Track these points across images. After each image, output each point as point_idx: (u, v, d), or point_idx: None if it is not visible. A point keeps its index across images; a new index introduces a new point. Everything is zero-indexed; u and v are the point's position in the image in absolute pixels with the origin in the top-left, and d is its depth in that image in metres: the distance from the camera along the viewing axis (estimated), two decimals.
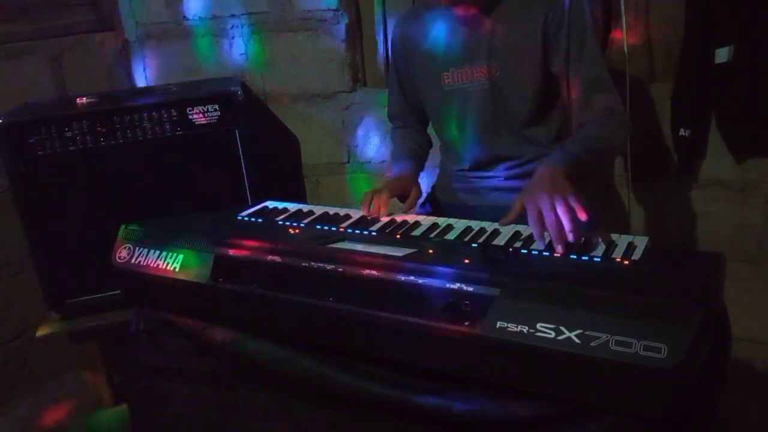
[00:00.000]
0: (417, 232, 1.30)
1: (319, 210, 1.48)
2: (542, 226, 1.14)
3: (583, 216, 1.12)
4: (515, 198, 1.25)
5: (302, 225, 1.39)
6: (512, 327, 0.92)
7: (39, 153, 1.86)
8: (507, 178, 1.60)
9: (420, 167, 1.71)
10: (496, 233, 1.24)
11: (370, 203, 1.42)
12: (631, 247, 1.11)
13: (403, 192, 1.54)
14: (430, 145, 1.81)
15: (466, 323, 0.96)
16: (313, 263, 1.14)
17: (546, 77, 1.50)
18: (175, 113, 1.94)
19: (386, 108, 1.82)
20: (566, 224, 1.11)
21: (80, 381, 2.19)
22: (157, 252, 1.32)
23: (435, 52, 1.56)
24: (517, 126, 1.54)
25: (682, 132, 1.86)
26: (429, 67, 1.58)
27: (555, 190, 1.16)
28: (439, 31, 1.56)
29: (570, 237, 1.11)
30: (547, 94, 1.52)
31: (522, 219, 1.21)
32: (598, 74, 1.46)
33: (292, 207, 1.53)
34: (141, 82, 2.58)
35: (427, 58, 1.58)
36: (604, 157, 1.52)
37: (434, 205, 1.75)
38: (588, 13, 1.47)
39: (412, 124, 1.78)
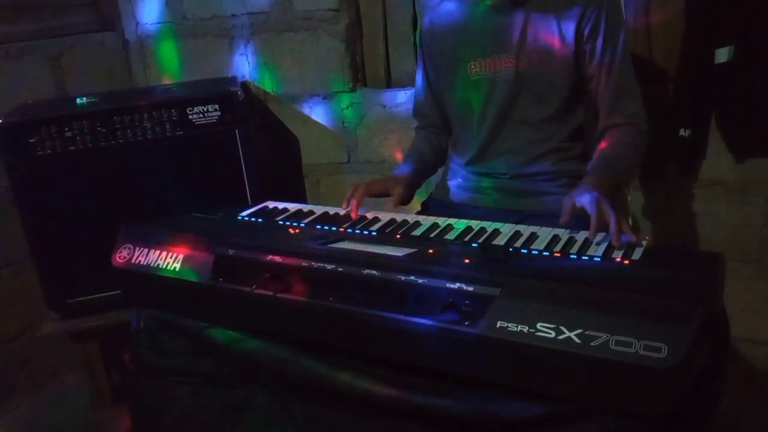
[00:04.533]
0: (417, 232, 1.30)
1: (319, 210, 1.48)
2: (601, 223, 1.15)
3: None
4: (565, 200, 1.25)
5: (302, 225, 1.39)
6: (512, 327, 0.92)
7: (39, 153, 1.86)
8: (512, 178, 1.60)
9: (423, 171, 1.70)
10: (496, 233, 1.24)
11: (349, 198, 1.44)
12: (631, 247, 1.11)
13: (386, 191, 1.53)
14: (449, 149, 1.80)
15: (466, 323, 0.96)
16: (313, 263, 1.14)
17: (574, 75, 1.50)
18: (175, 113, 1.94)
19: (413, 106, 1.81)
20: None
21: (80, 381, 2.19)
22: (157, 252, 1.32)
23: (464, 42, 1.56)
24: (536, 120, 1.54)
25: (682, 132, 1.86)
26: (457, 56, 1.58)
27: (611, 199, 1.20)
28: (469, 21, 1.56)
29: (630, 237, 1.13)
30: (573, 91, 1.52)
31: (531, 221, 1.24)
32: (628, 80, 1.50)
33: (292, 207, 1.53)
34: (141, 82, 2.58)
35: (455, 47, 1.58)
36: (632, 171, 1.55)
37: (430, 211, 1.72)
38: (622, 15, 1.48)
39: (436, 123, 1.76)
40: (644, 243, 1.12)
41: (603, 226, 1.16)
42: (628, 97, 1.50)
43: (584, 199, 1.20)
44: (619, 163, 1.42)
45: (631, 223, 1.19)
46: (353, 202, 1.44)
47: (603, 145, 1.48)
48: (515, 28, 1.49)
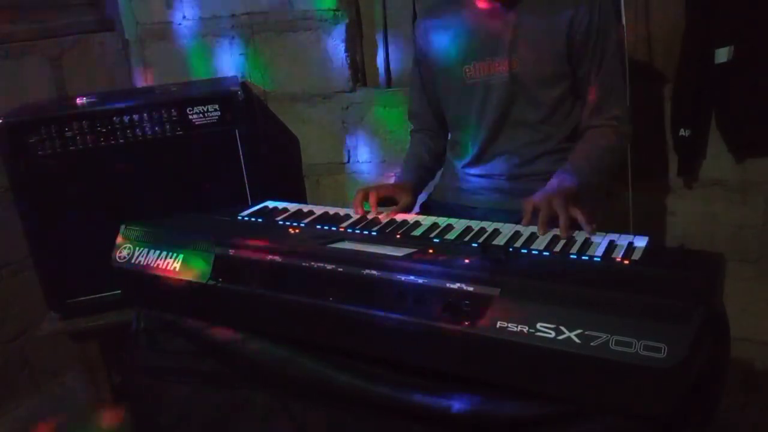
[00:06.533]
0: (417, 232, 1.30)
1: (319, 210, 1.48)
2: (547, 226, 1.22)
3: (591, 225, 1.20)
4: (525, 201, 1.30)
5: (302, 225, 1.39)
6: (512, 327, 0.92)
7: (39, 153, 1.86)
8: (509, 179, 1.60)
9: (425, 177, 1.71)
10: (496, 233, 1.25)
11: (361, 203, 1.45)
12: (631, 247, 1.11)
13: (393, 197, 1.52)
14: (445, 151, 1.80)
15: (466, 323, 0.96)
16: (313, 263, 1.14)
17: (567, 76, 1.51)
18: (175, 113, 1.93)
19: (407, 109, 1.82)
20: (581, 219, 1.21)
21: (80, 381, 2.19)
22: (157, 252, 1.32)
23: (458, 46, 1.56)
24: (534, 121, 1.55)
25: (682, 132, 1.86)
26: (451, 61, 1.58)
27: (567, 200, 1.25)
28: (462, 25, 1.57)
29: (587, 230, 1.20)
30: (568, 92, 1.53)
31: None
32: (615, 81, 1.51)
33: (292, 207, 1.53)
34: (141, 82, 2.58)
35: (449, 51, 1.58)
36: (608, 175, 1.57)
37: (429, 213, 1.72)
38: (614, 17, 1.50)
39: (431, 126, 1.76)
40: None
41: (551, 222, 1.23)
42: (613, 99, 1.51)
43: (537, 199, 1.27)
44: (587, 166, 1.43)
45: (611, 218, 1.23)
46: (372, 202, 1.44)
47: (577, 147, 1.50)
48: (507, 31, 1.50)
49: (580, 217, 1.21)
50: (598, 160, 1.47)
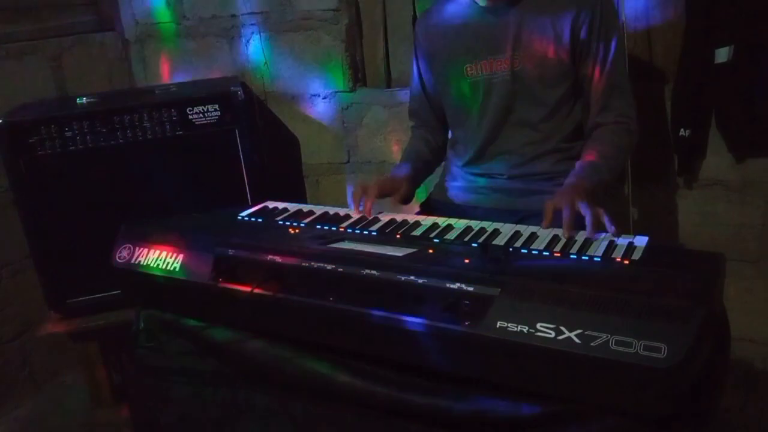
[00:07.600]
0: (417, 232, 1.30)
1: (319, 210, 1.48)
2: (572, 228, 1.20)
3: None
4: (545, 203, 1.28)
5: (302, 225, 1.39)
6: (512, 327, 0.92)
7: (39, 153, 1.86)
8: (510, 178, 1.60)
9: (423, 170, 1.71)
10: (496, 233, 1.24)
11: (360, 200, 1.46)
12: (631, 247, 1.11)
13: (392, 190, 1.53)
14: (445, 146, 1.80)
15: (466, 323, 0.96)
16: (313, 263, 1.14)
17: (569, 75, 1.50)
18: (175, 113, 1.94)
19: (407, 107, 1.82)
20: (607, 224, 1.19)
21: (80, 381, 2.19)
22: (157, 252, 1.32)
23: (459, 44, 1.56)
24: (534, 121, 1.55)
25: (682, 132, 1.86)
26: (452, 59, 1.58)
27: (589, 198, 1.24)
28: (463, 23, 1.57)
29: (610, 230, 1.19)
30: (569, 92, 1.53)
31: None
32: (620, 80, 1.51)
33: (292, 207, 1.53)
34: (141, 82, 2.58)
35: (451, 49, 1.58)
36: (618, 172, 1.56)
37: (429, 212, 1.73)
38: (617, 16, 1.49)
39: (431, 123, 1.76)
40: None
41: (580, 225, 1.21)
42: (619, 97, 1.50)
43: (560, 202, 1.25)
44: (603, 164, 1.43)
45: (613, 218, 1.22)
46: (367, 204, 1.44)
47: (589, 144, 1.50)
48: (509, 30, 1.49)
49: (606, 218, 1.20)
50: (613, 159, 1.46)
